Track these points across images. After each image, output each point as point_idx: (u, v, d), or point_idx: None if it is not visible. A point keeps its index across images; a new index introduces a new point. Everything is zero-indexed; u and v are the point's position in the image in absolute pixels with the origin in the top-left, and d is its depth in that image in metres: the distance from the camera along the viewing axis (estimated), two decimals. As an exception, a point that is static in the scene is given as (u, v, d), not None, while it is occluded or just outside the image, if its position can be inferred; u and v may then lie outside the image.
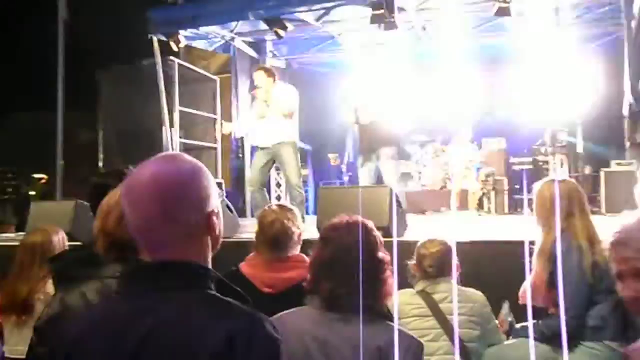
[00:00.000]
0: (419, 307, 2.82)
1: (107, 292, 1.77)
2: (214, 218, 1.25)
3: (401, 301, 2.84)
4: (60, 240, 3.26)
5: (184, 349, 1.10)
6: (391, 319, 2.00)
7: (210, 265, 1.26)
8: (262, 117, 6.17)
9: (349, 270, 1.85)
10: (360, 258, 1.88)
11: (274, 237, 2.68)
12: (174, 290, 1.17)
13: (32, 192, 22.38)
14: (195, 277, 1.21)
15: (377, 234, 2.02)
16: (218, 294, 1.21)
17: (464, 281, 3.04)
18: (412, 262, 3.00)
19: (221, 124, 6.17)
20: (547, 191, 2.96)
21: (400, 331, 1.93)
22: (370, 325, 1.84)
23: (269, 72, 6.26)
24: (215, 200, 1.27)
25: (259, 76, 6.19)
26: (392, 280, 1.97)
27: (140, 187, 1.20)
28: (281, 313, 1.96)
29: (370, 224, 2.03)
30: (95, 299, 1.82)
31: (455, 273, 2.95)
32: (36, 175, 22.68)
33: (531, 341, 2.84)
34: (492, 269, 4.10)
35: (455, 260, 2.96)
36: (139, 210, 1.20)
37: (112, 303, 1.29)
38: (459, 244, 3.67)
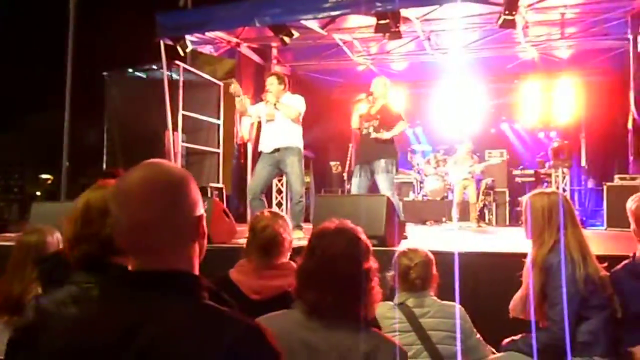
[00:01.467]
0: (400, 322, 2.72)
1: (84, 299, 1.71)
2: (204, 223, 1.27)
3: (380, 314, 2.75)
4: (55, 241, 3.25)
5: None
6: (377, 326, 1.99)
7: (197, 271, 1.25)
8: (270, 120, 6.23)
9: (335, 279, 1.86)
10: (345, 268, 1.88)
11: (265, 243, 2.69)
12: (168, 302, 1.14)
13: (38, 193, 22.50)
14: (189, 287, 1.19)
15: (366, 241, 1.98)
16: (213, 304, 1.19)
17: (461, 293, 2.96)
18: (390, 273, 2.89)
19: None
20: (539, 203, 2.94)
21: (386, 338, 1.93)
22: (356, 332, 1.84)
23: (281, 78, 6.35)
24: (202, 207, 1.28)
25: (272, 81, 6.28)
26: (378, 289, 1.96)
27: (132, 190, 1.19)
28: (268, 314, 1.96)
29: (360, 231, 2.00)
30: (71, 305, 1.74)
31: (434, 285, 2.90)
32: (42, 176, 22.80)
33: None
34: (489, 280, 4.09)
35: (434, 272, 2.89)
36: (131, 214, 1.18)
37: (97, 315, 1.22)
38: (449, 254, 3.66)
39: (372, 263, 1.95)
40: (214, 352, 1.08)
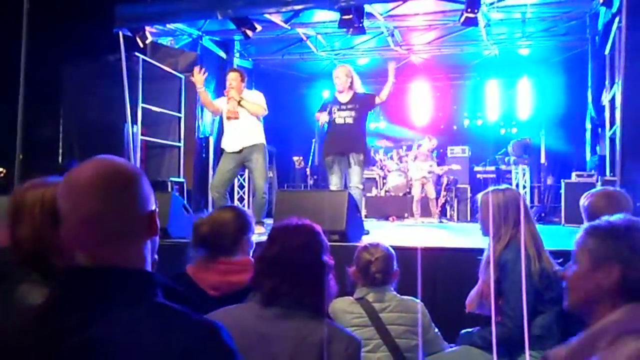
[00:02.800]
0: (359, 317, 2.74)
1: (24, 298, 1.62)
2: (156, 219, 1.25)
3: (339, 308, 2.78)
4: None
5: None
6: (330, 318, 2.01)
7: (149, 267, 1.23)
8: (232, 118, 6.10)
9: (292, 269, 1.92)
10: (304, 259, 1.95)
11: (217, 239, 2.63)
12: (119, 301, 1.10)
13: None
14: (141, 286, 1.15)
15: (324, 239, 2.05)
16: (166, 303, 1.15)
17: (421, 288, 2.98)
18: (352, 268, 2.90)
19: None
20: (495, 200, 2.95)
21: (339, 329, 1.97)
22: (311, 321, 1.87)
23: (243, 75, 6.25)
24: (154, 203, 1.26)
25: (234, 77, 6.15)
26: (334, 284, 2.02)
27: (82, 184, 1.16)
28: (224, 308, 1.96)
29: (318, 228, 2.06)
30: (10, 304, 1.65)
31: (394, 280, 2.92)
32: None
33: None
34: (448, 276, 4.12)
35: (395, 267, 2.90)
36: (81, 208, 1.15)
37: (42, 316, 1.14)
38: (409, 250, 3.67)
39: (329, 259, 2.01)
40: (165, 353, 1.04)
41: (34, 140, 6.58)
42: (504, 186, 3.10)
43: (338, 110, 6.24)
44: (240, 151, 6.08)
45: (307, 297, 1.89)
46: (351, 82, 6.32)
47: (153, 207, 1.25)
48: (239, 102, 6.02)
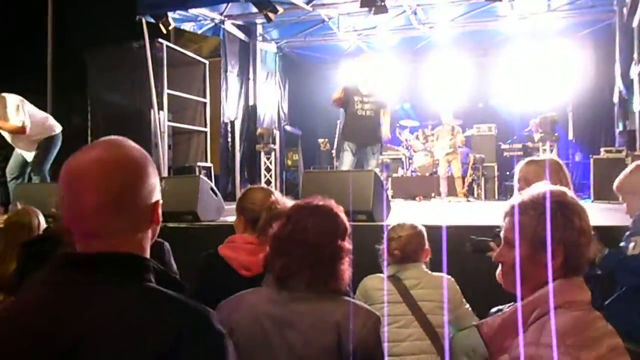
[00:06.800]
0: (390, 293, 2.75)
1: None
2: (159, 210, 1.20)
3: (371, 286, 2.80)
4: (37, 224, 3.24)
5: (126, 349, 1.02)
6: (348, 295, 1.99)
7: (148, 256, 1.20)
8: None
9: (303, 249, 1.85)
10: (317, 240, 1.88)
11: (253, 218, 2.66)
12: (110, 284, 1.09)
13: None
14: (133, 270, 1.13)
15: (344, 221, 1.97)
16: (158, 287, 1.13)
17: (448, 266, 2.98)
18: (382, 247, 2.91)
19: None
20: (531, 171, 2.81)
21: (357, 305, 1.93)
22: (327, 301, 1.84)
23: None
24: (159, 193, 1.21)
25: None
26: (349, 269, 1.93)
27: (84, 172, 1.11)
28: (239, 293, 1.95)
29: (339, 210, 1.99)
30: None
31: (426, 258, 2.92)
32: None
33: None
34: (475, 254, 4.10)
35: (426, 245, 2.91)
36: (82, 198, 1.10)
37: (39, 298, 1.13)
38: (437, 228, 3.66)
39: (347, 244, 1.93)
40: (155, 336, 1.03)
41: (65, 128, 6.70)
42: (541, 157, 3.04)
43: (361, 102, 6.45)
44: None
45: (319, 279, 1.85)
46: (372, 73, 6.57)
47: (157, 198, 1.20)
48: None
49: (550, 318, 1.38)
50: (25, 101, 5.96)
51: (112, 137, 1.20)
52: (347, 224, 1.99)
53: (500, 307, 2.98)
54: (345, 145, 6.52)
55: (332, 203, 1.99)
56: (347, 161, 6.45)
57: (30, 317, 1.08)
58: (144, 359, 1.02)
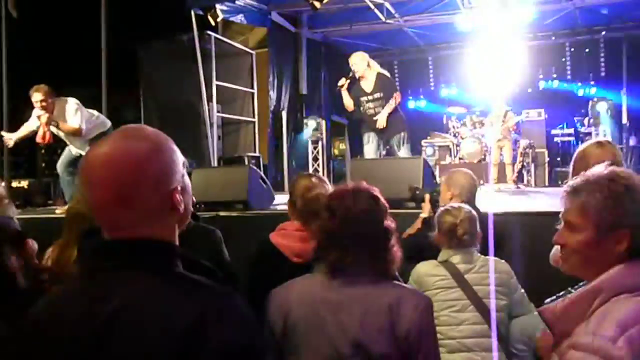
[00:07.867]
0: (444, 279, 2.77)
1: None
2: (177, 196, 1.18)
3: (424, 272, 2.83)
4: None
5: (154, 328, 1.05)
6: (399, 280, 2.02)
7: (177, 242, 1.21)
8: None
9: (354, 240, 1.87)
10: (366, 227, 1.90)
11: (306, 206, 2.69)
12: (138, 270, 1.12)
13: (79, 167, 22.95)
14: (159, 256, 1.15)
15: (383, 202, 1.99)
16: (183, 272, 1.15)
17: (500, 252, 2.98)
18: (434, 233, 2.93)
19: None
20: (593, 154, 2.56)
21: (407, 289, 1.97)
22: (379, 285, 1.88)
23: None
24: (179, 176, 1.19)
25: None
26: (398, 248, 1.97)
27: (94, 168, 1.14)
28: (292, 280, 2.00)
29: (377, 191, 2.00)
30: None
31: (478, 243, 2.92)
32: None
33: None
34: (527, 240, 4.06)
35: (478, 229, 2.91)
36: (93, 193, 1.15)
37: (73, 285, 1.21)
38: (491, 215, 3.64)
39: (390, 222, 1.96)
40: (183, 318, 1.05)
41: (119, 122, 6.90)
42: (604, 140, 2.95)
43: (366, 102, 6.29)
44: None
45: (372, 263, 1.89)
46: (368, 65, 6.30)
47: (175, 184, 1.18)
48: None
49: (612, 307, 1.34)
50: (82, 105, 6.26)
51: (128, 126, 1.22)
52: (385, 203, 2.00)
53: (553, 297, 2.96)
54: (364, 135, 6.44)
55: (365, 185, 2.00)
56: (368, 151, 6.38)
57: (69, 304, 1.15)
58: (169, 339, 1.04)
